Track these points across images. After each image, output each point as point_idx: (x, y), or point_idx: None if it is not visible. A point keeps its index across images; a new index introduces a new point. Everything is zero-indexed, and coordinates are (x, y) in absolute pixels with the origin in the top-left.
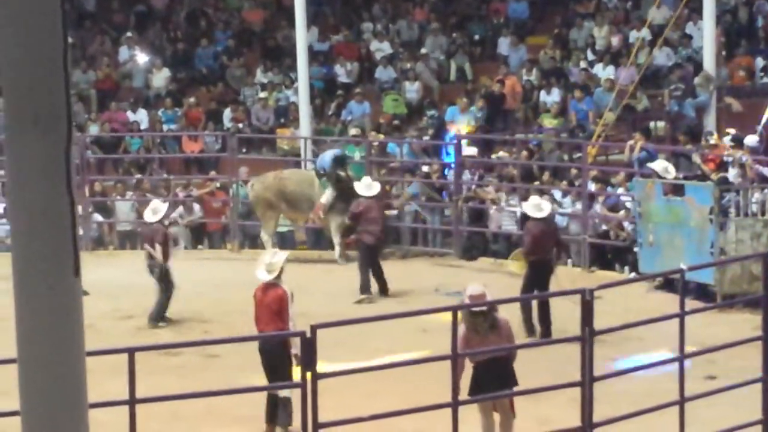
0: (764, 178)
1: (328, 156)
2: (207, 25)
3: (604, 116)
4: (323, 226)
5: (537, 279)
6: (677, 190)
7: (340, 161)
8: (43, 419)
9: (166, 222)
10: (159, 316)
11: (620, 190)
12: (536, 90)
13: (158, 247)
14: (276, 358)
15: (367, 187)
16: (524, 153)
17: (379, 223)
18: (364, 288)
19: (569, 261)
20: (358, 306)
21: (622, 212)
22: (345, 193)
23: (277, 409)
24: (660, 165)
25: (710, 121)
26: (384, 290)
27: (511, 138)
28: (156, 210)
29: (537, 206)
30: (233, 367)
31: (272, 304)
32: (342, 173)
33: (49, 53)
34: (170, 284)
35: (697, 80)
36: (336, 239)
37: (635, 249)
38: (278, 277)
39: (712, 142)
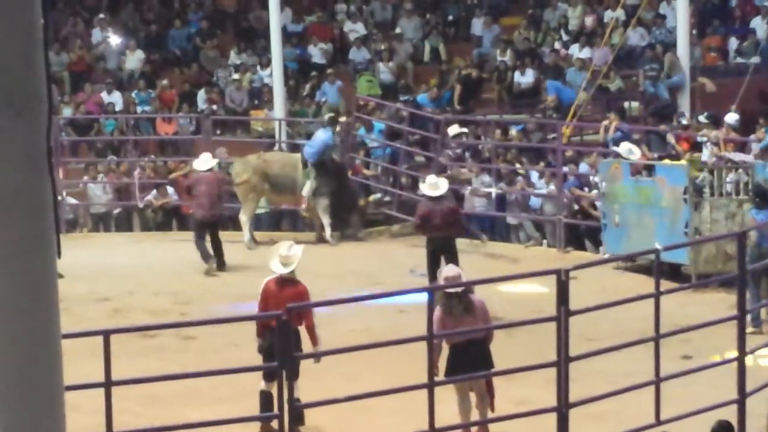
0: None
1: (315, 146)
2: (180, 6)
3: (578, 96)
4: (310, 210)
5: (434, 256)
6: (648, 170)
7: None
8: (19, 402)
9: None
10: None
11: (589, 170)
12: (510, 71)
13: None
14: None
15: (203, 161)
16: (514, 133)
17: (210, 197)
18: (205, 257)
19: (544, 241)
20: (338, 287)
21: (594, 192)
22: (328, 175)
23: (272, 407)
24: (624, 147)
25: (684, 102)
26: (221, 266)
27: (484, 119)
28: None
29: (433, 185)
30: (210, 349)
31: (293, 301)
32: (324, 158)
33: (26, 32)
34: None
35: (666, 59)
36: (325, 221)
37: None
38: (293, 271)
39: (684, 122)
